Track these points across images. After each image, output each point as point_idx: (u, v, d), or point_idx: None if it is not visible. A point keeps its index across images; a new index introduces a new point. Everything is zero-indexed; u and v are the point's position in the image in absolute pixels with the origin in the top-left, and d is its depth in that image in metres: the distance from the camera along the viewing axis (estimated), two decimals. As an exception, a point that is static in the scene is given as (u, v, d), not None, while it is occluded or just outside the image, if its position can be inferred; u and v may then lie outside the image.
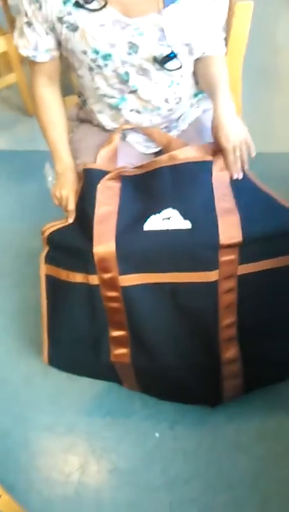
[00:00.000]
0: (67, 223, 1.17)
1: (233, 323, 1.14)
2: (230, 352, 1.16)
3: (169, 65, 1.06)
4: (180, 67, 1.07)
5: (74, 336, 1.20)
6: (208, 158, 1.12)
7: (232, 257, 1.07)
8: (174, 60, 1.06)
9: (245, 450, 1.25)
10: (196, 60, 1.19)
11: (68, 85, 2.12)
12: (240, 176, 1.11)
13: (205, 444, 1.26)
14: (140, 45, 1.04)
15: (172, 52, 1.04)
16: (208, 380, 1.22)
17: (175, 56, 1.06)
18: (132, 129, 1.24)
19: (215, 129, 1.10)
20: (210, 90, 1.16)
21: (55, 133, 1.24)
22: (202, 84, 1.22)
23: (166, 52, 1.05)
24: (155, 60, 1.06)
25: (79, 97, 1.30)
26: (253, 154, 1.11)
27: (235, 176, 1.11)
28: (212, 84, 1.16)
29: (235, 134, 1.09)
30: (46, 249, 1.19)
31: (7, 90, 2.80)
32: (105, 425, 1.33)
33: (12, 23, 2.68)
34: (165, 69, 1.05)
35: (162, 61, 1.05)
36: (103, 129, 1.27)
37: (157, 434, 1.30)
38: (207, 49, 1.16)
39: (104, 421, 1.34)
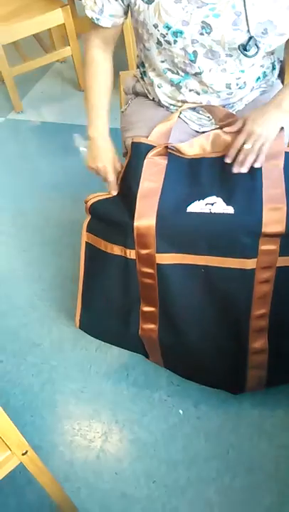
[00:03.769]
0: (110, 196, 1.18)
1: (266, 314, 1.12)
2: (258, 342, 1.16)
3: (249, 50, 1.02)
4: (257, 52, 1.03)
5: (106, 305, 1.22)
6: None
7: (273, 247, 1.05)
8: (254, 47, 1.02)
9: (268, 437, 1.24)
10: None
11: (123, 61, 2.12)
12: (242, 170, 1.06)
13: (228, 426, 1.27)
14: (214, 27, 1.00)
15: (252, 37, 1.00)
16: (233, 367, 1.22)
17: (255, 42, 1.01)
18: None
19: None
20: None
21: (97, 96, 1.20)
22: None
23: (239, 37, 1.01)
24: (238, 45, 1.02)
25: (138, 68, 1.27)
26: (258, 164, 1.07)
27: (233, 165, 1.07)
28: None
29: (263, 127, 1.06)
30: (88, 217, 1.21)
31: (60, 64, 2.83)
32: (131, 397, 1.36)
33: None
34: (245, 55, 1.01)
35: (244, 46, 1.01)
36: (158, 103, 1.25)
37: (181, 411, 1.31)
38: None
39: (129, 393, 1.37)
